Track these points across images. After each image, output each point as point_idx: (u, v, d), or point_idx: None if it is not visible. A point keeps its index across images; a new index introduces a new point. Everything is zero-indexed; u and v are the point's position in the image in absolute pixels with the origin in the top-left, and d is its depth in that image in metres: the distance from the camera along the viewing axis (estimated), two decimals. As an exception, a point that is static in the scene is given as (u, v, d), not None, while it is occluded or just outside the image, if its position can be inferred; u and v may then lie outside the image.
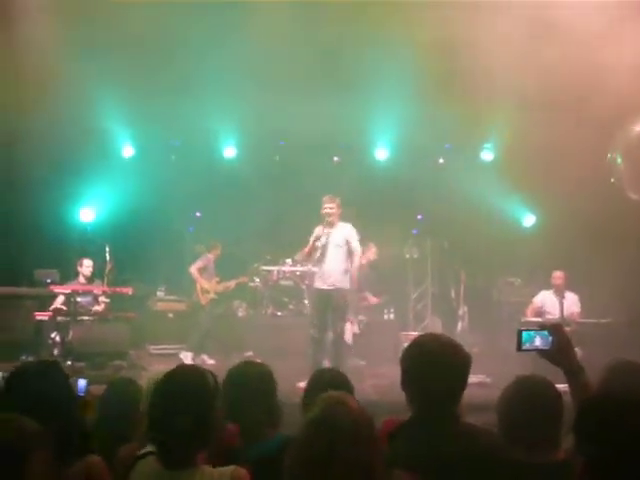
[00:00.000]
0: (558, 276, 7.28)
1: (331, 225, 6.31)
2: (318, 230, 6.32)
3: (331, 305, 6.29)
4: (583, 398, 1.91)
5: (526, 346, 2.07)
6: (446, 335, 2.22)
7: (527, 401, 2.24)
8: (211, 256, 8.28)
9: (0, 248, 8.21)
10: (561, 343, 2.05)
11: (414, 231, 9.81)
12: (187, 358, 7.42)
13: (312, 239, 6.33)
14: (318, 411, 1.62)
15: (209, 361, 7.49)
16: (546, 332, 2.06)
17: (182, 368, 2.12)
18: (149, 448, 2.00)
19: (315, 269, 6.62)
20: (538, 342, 2.06)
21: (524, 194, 9.17)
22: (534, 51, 7.26)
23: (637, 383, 2.39)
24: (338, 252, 6.29)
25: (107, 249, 7.30)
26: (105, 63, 7.84)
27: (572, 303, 7.16)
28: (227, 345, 7.91)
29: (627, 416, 1.57)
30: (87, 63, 7.80)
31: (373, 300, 8.69)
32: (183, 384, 1.95)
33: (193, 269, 8.12)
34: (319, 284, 6.43)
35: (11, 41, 7.69)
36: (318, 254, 6.38)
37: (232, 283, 8.32)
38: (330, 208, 6.28)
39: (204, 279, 8.14)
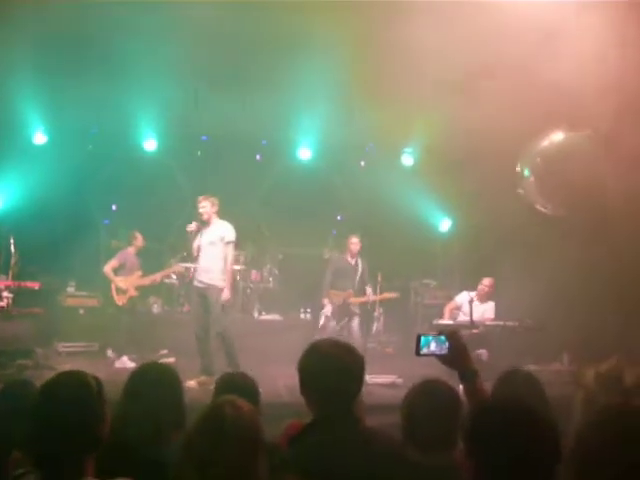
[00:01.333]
0: (487, 284, 7.37)
1: (206, 224, 6.47)
2: (190, 227, 6.49)
3: (208, 302, 6.36)
4: (475, 402, 1.99)
5: (424, 351, 2.13)
6: (339, 338, 2.25)
7: (426, 402, 2.32)
8: (131, 249, 7.82)
9: None
10: (457, 349, 2.13)
11: (333, 232, 9.93)
12: (119, 361, 7.23)
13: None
14: (205, 413, 1.61)
15: (129, 363, 7.07)
16: (443, 337, 2.13)
17: (56, 378, 1.96)
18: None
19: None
20: (436, 347, 2.12)
21: (441, 199, 9.48)
22: (458, 53, 7.51)
23: (526, 392, 2.53)
24: (213, 249, 6.42)
25: (12, 241, 6.91)
26: (18, 48, 7.44)
27: (488, 308, 7.41)
28: (143, 343, 7.64)
29: (514, 423, 1.63)
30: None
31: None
32: (58, 396, 1.85)
33: (107, 268, 7.63)
34: (195, 282, 6.57)
35: None
36: (194, 252, 6.54)
37: (158, 276, 7.92)
38: (203, 207, 6.45)
39: (121, 277, 7.64)
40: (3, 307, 6.79)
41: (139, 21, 7.49)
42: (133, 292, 7.64)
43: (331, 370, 1.99)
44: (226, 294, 6.37)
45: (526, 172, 6.09)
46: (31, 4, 7.22)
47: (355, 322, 7.54)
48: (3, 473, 2.13)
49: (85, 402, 1.82)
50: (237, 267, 9.15)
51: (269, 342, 7.94)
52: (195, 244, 6.52)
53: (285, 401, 5.41)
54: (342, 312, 7.52)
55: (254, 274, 9.34)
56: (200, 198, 6.52)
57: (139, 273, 7.74)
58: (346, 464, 1.84)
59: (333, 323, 7.46)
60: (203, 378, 6.04)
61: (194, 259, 6.67)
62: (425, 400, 2.33)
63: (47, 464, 1.79)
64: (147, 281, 7.78)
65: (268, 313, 9.21)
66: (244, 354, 6.37)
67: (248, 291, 9.26)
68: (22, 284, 6.86)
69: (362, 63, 7.88)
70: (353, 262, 7.69)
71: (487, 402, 1.96)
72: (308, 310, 9.09)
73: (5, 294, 6.83)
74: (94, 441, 1.82)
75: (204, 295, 6.41)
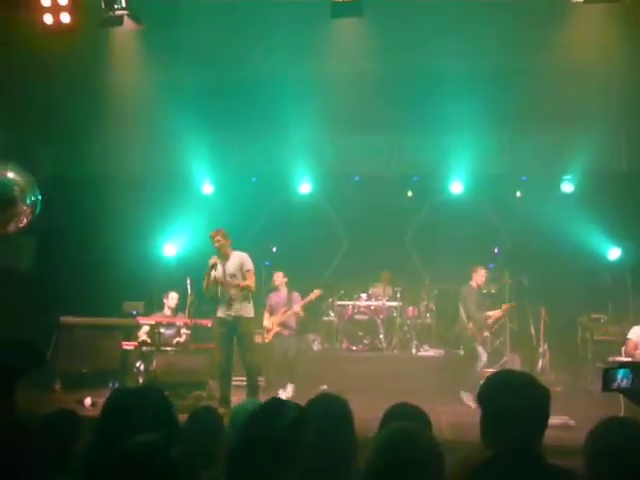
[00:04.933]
0: None
1: (225, 257, 6.50)
2: (212, 260, 6.49)
3: (239, 333, 6.38)
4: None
5: (612, 386, 2.01)
6: (523, 371, 2.18)
7: (616, 444, 2.15)
8: (273, 293, 8.28)
9: (92, 281, 8.74)
10: None
11: (491, 265, 9.61)
12: (283, 394, 7.48)
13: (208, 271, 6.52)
14: (390, 438, 1.62)
15: (292, 391, 7.44)
16: (629, 371, 2.00)
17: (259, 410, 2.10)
18: None
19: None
20: (623, 381, 1.99)
21: (608, 226, 8.83)
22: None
23: None
24: (235, 281, 6.44)
25: (188, 281, 7.55)
26: (186, 106, 8.33)
27: None
28: (303, 378, 7.90)
29: None
30: (171, 106, 8.33)
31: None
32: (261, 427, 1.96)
33: (265, 313, 8.16)
34: (220, 313, 6.52)
35: (102, 82, 8.35)
36: (217, 285, 6.52)
37: (297, 307, 8.01)
38: (217, 241, 6.46)
39: (269, 316, 8.11)
40: (182, 342, 7.42)
41: (287, 73, 8.11)
42: (277, 328, 7.99)
43: (518, 400, 1.94)
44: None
45: None
46: (196, 63, 8.14)
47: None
48: None
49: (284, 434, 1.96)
50: (394, 303, 9.20)
51: (429, 378, 7.82)
52: (212, 276, 6.52)
53: (447, 438, 5.27)
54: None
55: (410, 310, 9.30)
56: (212, 233, 6.54)
57: (284, 309, 8.04)
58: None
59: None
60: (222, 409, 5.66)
61: (210, 292, 6.64)
62: (613, 440, 2.16)
63: None
64: (287, 315, 7.99)
65: (426, 349, 9.09)
66: (404, 390, 6.32)
67: (405, 328, 9.22)
68: (198, 321, 7.38)
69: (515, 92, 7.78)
70: (480, 291, 7.90)
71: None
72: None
73: (184, 330, 7.46)
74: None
75: (232, 326, 6.42)
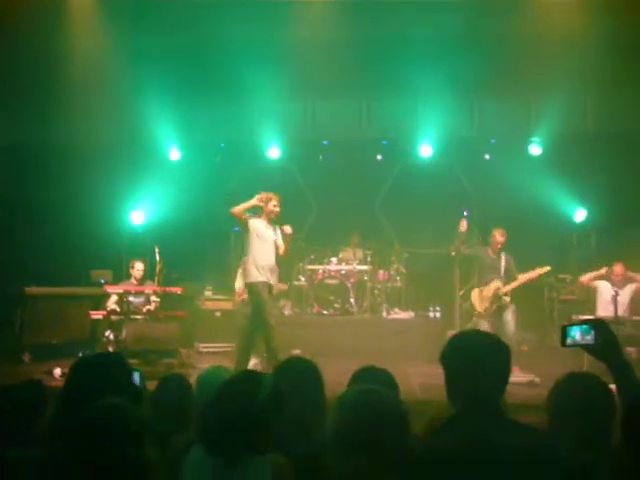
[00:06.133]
0: (618, 270, 7.00)
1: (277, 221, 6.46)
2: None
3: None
4: (630, 394, 1.87)
5: (570, 342, 2.04)
6: (483, 330, 2.20)
7: (576, 397, 2.20)
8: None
9: (58, 251, 8.58)
10: (605, 339, 2.02)
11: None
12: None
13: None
14: (355, 396, 1.63)
15: (257, 365, 7.29)
16: (590, 327, 2.03)
17: (237, 376, 2.18)
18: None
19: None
20: (582, 338, 2.03)
21: (574, 188, 8.97)
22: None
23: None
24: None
25: (157, 250, 7.47)
26: (151, 72, 8.12)
27: (627, 292, 6.97)
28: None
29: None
30: (135, 72, 8.11)
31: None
32: (237, 392, 2.01)
33: (238, 273, 8.03)
34: (267, 279, 6.36)
35: (61, 49, 8.06)
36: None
37: (283, 286, 7.93)
38: (275, 205, 6.33)
39: (241, 279, 7.73)
40: (152, 311, 7.37)
41: (253, 38, 7.95)
42: (246, 295, 7.66)
43: (478, 362, 1.97)
44: None
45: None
46: (161, 34, 7.93)
47: (509, 314, 6.94)
48: (168, 450, 2.35)
49: (256, 401, 1.98)
50: (364, 267, 9.25)
51: (400, 341, 7.94)
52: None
53: (419, 398, 5.39)
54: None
55: (381, 274, 9.37)
56: (271, 195, 6.39)
57: None
58: (493, 456, 1.81)
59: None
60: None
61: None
62: (574, 394, 2.22)
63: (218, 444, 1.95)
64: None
65: (397, 312, 9.20)
66: (376, 353, 6.41)
67: (376, 291, 9.31)
68: (167, 289, 7.30)
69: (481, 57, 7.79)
70: (496, 257, 7.22)
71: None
72: (437, 308, 8.97)
73: (153, 298, 7.41)
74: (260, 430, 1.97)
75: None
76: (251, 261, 6.27)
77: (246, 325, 6.38)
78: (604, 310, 6.87)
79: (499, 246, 7.15)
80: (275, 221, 6.43)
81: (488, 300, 7.05)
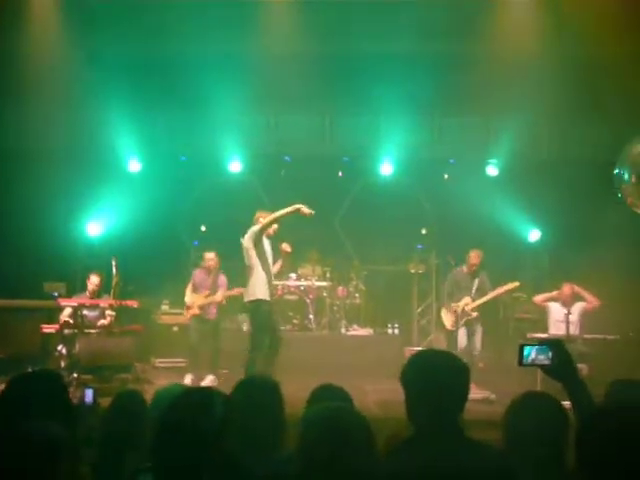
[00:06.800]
0: (566, 291, 7.25)
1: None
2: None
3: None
4: (585, 413, 1.91)
5: (527, 361, 2.08)
6: (442, 349, 2.23)
7: (532, 416, 2.24)
8: (201, 270, 7.83)
9: (9, 261, 8.30)
10: (561, 358, 2.06)
11: (419, 246, 9.83)
12: (187, 380, 7.15)
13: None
14: (320, 414, 1.62)
15: (214, 382, 7.08)
16: (546, 347, 2.08)
17: (186, 396, 2.06)
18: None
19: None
20: (539, 357, 2.07)
21: (529, 209, 9.21)
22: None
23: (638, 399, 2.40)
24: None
25: (114, 262, 7.29)
26: (112, 81, 8.01)
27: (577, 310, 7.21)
28: (234, 360, 7.75)
29: (629, 431, 1.57)
30: (96, 80, 7.98)
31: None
32: (188, 415, 1.91)
33: (187, 288, 7.79)
34: (268, 297, 6.43)
35: (17, 50, 7.88)
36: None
37: (219, 296, 7.57)
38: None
39: (192, 295, 7.70)
40: (106, 325, 7.19)
41: (216, 50, 7.94)
42: (196, 310, 7.55)
43: (440, 382, 1.98)
44: None
45: (626, 175, 5.78)
46: (123, 43, 7.84)
47: (477, 328, 7.30)
48: (119, 471, 2.28)
49: (210, 421, 1.90)
50: (324, 283, 9.25)
51: (358, 357, 7.95)
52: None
53: (376, 415, 5.39)
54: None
55: (340, 290, 9.38)
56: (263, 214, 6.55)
57: (206, 292, 7.63)
58: (454, 477, 1.82)
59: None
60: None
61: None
62: (530, 414, 2.26)
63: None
64: (208, 300, 7.56)
65: (356, 328, 9.22)
66: (334, 369, 6.40)
67: (335, 308, 9.31)
68: (123, 303, 7.13)
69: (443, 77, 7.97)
70: (470, 276, 7.49)
71: (599, 411, 1.89)
72: (395, 325, 9.04)
73: (108, 312, 7.23)
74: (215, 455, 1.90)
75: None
76: (261, 278, 6.22)
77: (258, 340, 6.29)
78: (556, 329, 7.10)
79: (474, 268, 7.45)
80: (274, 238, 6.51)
81: (457, 316, 7.27)
